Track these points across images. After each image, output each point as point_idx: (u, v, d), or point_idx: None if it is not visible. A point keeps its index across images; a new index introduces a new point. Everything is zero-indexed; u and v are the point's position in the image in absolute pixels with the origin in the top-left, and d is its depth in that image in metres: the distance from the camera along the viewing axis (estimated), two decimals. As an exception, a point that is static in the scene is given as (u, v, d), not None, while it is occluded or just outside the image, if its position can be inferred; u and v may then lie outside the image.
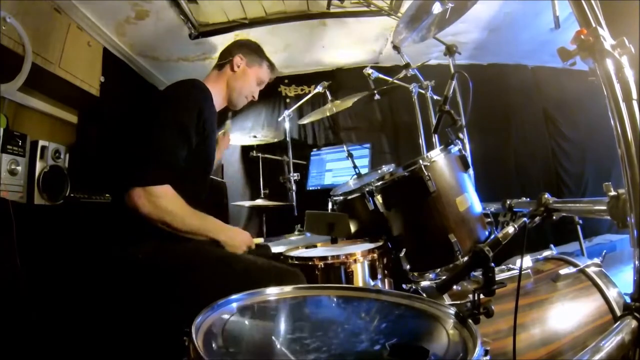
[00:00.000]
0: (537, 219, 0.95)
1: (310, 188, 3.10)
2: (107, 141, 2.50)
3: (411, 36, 1.79)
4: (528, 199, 1.33)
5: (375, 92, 2.29)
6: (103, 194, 2.25)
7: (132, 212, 1.06)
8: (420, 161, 1.32)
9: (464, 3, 1.58)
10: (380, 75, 2.23)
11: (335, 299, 0.81)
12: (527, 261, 1.13)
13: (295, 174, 2.84)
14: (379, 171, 1.81)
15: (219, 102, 1.41)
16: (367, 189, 1.39)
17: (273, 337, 0.63)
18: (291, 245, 1.60)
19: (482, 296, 0.66)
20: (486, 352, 0.53)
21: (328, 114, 2.56)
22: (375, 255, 1.34)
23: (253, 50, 1.47)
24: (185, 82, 1.28)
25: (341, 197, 1.54)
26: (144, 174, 1.07)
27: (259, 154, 2.99)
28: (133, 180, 1.06)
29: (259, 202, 2.77)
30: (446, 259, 1.32)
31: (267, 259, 1.30)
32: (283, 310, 0.76)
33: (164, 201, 1.07)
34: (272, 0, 2.59)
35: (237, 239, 1.23)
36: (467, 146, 1.72)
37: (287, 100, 3.58)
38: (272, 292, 0.80)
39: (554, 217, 0.97)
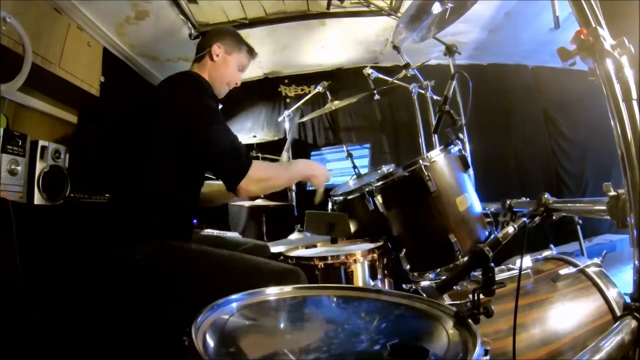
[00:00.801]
0: (537, 219, 0.95)
1: (310, 188, 3.09)
2: (107, 141, 2.50)
3: (411, 36, 1.79)
4: (528, 199, 1.33)
5: (375, 92, 2.29)
6: (103, 194, 2.25)
7: (246, 198, 1.22)
8: (420, 161, 1.31)
9: (463, 3, 1.57)
10: (380, 75, 2.23)
11: (335, 299, 0.81)
12: (527, 261, 1.13)
13: (295, 174, 2.84)
14: (379, 171, 1.80)
15: None
16: (367, 189, 1.39)
17: (273, 337, 0.63)
18: (291, 245, 1.60)
19: (482, 296, 0.66)
20: (486, 352, 0.53)
21: (327, 111, 2.55)
22: (375, 255, 1.35)
23: (230, 37, 1.45)
24: (191, 75, 1.32)
25: (341, 197, 1.54)
26: (238, 169, 1.16)
27: (259, 154, 2.98)
28: (233, 179, 1.16)
29: (259, 202, 2.77)
30: (446, 259, 1.32)
31: (266, 258, 1.30)
32: (283, 310, 0.76)
33: (263, 176, 1.22)
34: (272, 0, 2.59)
35: (320, 172, 1.41)
36: (467, 146, 1.72)
37: (287, 100, 3.58)
38: (272, 292, 0.80)
39: (554, 217, 0.97)
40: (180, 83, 1.26)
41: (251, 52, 1.50)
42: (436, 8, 1.53)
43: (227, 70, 1.42)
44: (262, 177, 1.22)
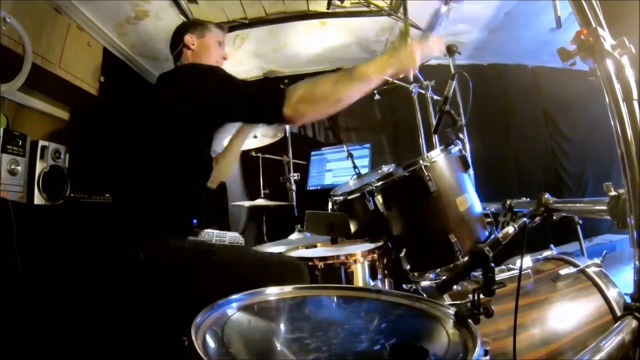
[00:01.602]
0: (537, 219, 0.95)
1: (310, 188, 3.10)
2: (107, 141, 2.50)
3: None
4: (528, 199, 1.33)
5: (375, 92, 2.29)
6: (103, 194, 2.25)
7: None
8: (421, 161, 1.31)
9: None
10: (380, 75, 2.22)
11: (335, 299, 0.81)
12: (527, 261, 1.13)
13: (295, 174, 2.84)
14: (379, 171, 1.80)
15: None
16: (367, 189, 1.39)
17: (273, 337, 0.63)
18: (291, 245, 1.60)
19: (482, 296, 0.66)
20: (486, 352, 0.53)
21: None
22: (375, 255, 1.34)
23: (193, 25, 1.48)
24: (188, 64, 1.34)
25: (341, 197, 1.54)
26: (270, 95, 1.09)
27: (259, 154, 2.99)
28: (273, 109, 1.08)
29: (259, 202, 2.77)
30: (446, 259, 1.32)
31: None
32: (283, 310, 0.76)
33: (302, 91, 1.10)
34: (272, 0, 2.59)
35: (403, 67, 1.16)
36: (467, 146, 1.72)
37: (288, 100, 3.58)
38: (272, 292, 0.80)
39: (554, 217, 0.97)
40: (182, 70, 1.26)
41: (220, 27, 1.51)
42: (443, 9, 1.53)
43: (209, 51, 1.43)
44: (304, 94, 1.09)
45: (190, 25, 1.48)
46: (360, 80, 1.13)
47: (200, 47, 1.42)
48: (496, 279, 0.70)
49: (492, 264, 0.72)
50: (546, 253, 1.22)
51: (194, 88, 1.17)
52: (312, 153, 3.25)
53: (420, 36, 1.27)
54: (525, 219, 0.89)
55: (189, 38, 1.41)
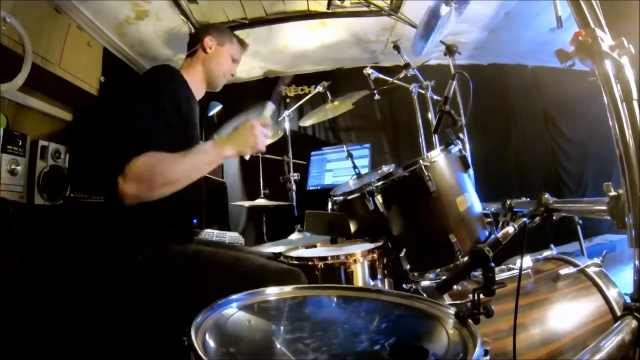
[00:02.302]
0: (537, 219, 0.95)
1: (310, 188, 3.10)
2: (107, 141, 2.50)
3: (429, 42, 1.79)
4: (528, 199, 1.33)
5: (375, 92, 2.29)
6: (103, 194, 2.25)
7: (135, 202, 1.00)
8: (421, 161, 1.31)
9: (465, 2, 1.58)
10: (380, 75, 2.23)
11: (335, 299, 0.81)
12: (527, 261, 1.13)
13: (295, 174, 2.84)
14: (379, 171, 1.80)
15: (198, 89, 1.40)
16: (367, 189, 1.39)
17: (273, 337, 0.63)
18: (291, 245, 1.60)
19: (482, 296, 0.66)
20: (486, 352, 0.53)
21: (330, 115, 2.56)
22: (375, 255, 1.34)
23: (220, 30, 1.47)
24: (155, 67, 1.26)
25: (341, 197, 1.54)
26: (117, 162, 0.99)
27: (259, 154, 2.98)
28: (113, 174, 0.99)
29: (259, 202, 2.77)
30: (446, 259, 1.32)
31: (267, 258, 1.30)
32: (283, 310, 0.76)
33: (144, 171, 0.98)
34: (272, 0, 2.59)
35: (245, 139, 1.12)
36: (467, 146, 1.72)
37: (287, 100, 3.58)
38: (272, 292, 0.80)
39: (554, 217, 0.97)
40: (150, 72, 1.25)
41: (242, 44, 1.51)
42: (443, 10, 1.54)
43: (221, 61, 1.42)
44: (147, 173, 0.98)
45: (215, 28, 1.46)
46: (210, 161, 1.09)
47: (215, 54, 1.41)
48: (496, 279, 0.70)
49: (492, 264, 0.72)
50: (546, 253, 1.22)
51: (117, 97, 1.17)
52: (312, 153, 3.25)
53: (260, 116, 1.24)
54: (525, 219, 0.89)
55: (208, 41, 1.39)
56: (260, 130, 1.15)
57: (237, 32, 2.73)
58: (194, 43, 1.42)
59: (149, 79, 1.24)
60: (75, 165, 2.17)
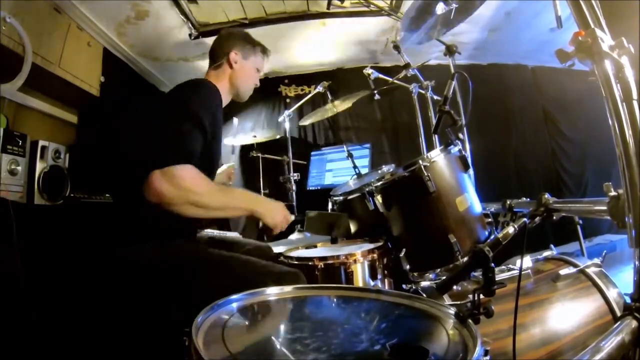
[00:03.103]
0: (537, 219, 0.95)
1: (310, 188, 3.10)
2: (107, 141, 2.50)
3: (417, 36, 1.79)
4: (528, 199, 1.33)
5: (375, 92, 2.29)
6: (103, 194, 2.25)
7: (156, 200, 1.01)
8: (420, 161, 1.31)
9: (470, 3, 1.57)
10: (380, 75, 2.23)
11: (335, 299, 0.81)
12: (527, 261, 1.13)
13: (295, 174, 2.85)
14: (379, 171, 1.80)
15: (224, 99, 1.41)
16: (367, 189, 1.39)
17: (273, 337, 0.63)
18: (291, 245, 1.60)
19: (482, 296, 0.66)
20: (486, 352, 0.53)
21: (330, 115, 2.56)
22: (375, 255, 1.34)
23: (244, 41, 1.47)
24: (202, 82, 1.28)
25: (341, 197, 1.54)
26: (163, 157, 1.02)
27: (259, 154, 2.99)
28: (152, 164, 1.01)
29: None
30: (446, 259, 1.32)
31: (267, 259, 1.30)
32: (283, 310, 0.76)
33: (187, 182, 1.02)
34: (272, 0, 2.59)
35: (276, 212, 1.20)
36: (467, 146, 1.72)
37: (287, 100, 3.59)
38: (272, 292, 0.80)
39: (554, 217, 0.97)
40: (188, 85, 1.26)
41: (265, 51, 1.53)
42: (440, 9, 1.53)
43: (246, 74, 1.44)
44: (186, 184, 1.02)
45: (239, 39, 1.46)
46: (241, 204, 1.16)
47: (241, 69, 1.42)
48: (496, 279, 0.70)
49: (492, 264, 0.72)
50: (546, 253, 1.22)
51: (176, 97, 1.20)
52: (312, 153, 3.26)
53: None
54: (525, 219, 0.89)
55: (234, 55, 1.40)
56: (288, 217, 1.25)
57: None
58: (219, 56, 1.42)
59: (198, 93, 1.23)
60: (76, 165, 2.17)
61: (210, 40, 2.80)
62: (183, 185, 1.01)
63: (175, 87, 1.29)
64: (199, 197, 1.04)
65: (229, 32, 1.52)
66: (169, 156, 1.03)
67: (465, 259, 1.29)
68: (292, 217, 1.28)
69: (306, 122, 2.76)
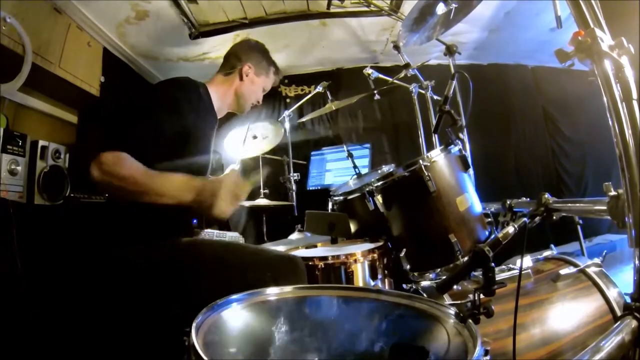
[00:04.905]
0: (537, 219, 0.95)
1: (311, 188, 3.10)
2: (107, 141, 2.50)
3: (418, 37, 1.79)
4: (528, 199, 1.33)
5: (375, 92, 2.29)
6: (103, 194, 2.25)
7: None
8: (421, 161, 1.31)
9: (468, 2, 1.57)
10: (380, 75, 2.23)
11: (335, 299, 0.81)
12: (527, 261, 1.13)
13: (295, 174, 2.84)
14: (379, 171, 1.80)
15: (222, 107, 1.40)
16: (367, 189, 1.39)
17: (273, 337, 0.63)
18: (291, 245, 1.60)
19: (482, 296, 0.66)
20: (486, 352, 0.53)
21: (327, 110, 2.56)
22: (375, 255, 1.35)
23: (260, 55, 1.46)
24: (173, 79, 1.25)
25: (341, 197, 1.54)
26: (104, 145, 1.04)
27: (259, 154, 2.98)
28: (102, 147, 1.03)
29: (259, 202, 2.77)
30: (446, 259, 1.32)
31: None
32: (283, 310, 0.76)
33: (110, 167, 1.01)
34: (272, 0, 2.59)
35: (222, 197, 1.04)
36: (467, 146, 1.72)
37: (287, 100, 3.58)
38: (272, 292, 0.80)
39: (554, 217, 0.97)
40: (160, 82, 1.27)
41: (278, 73, 1.52)
42: (440, 9, 1.54)
43: (253, 89, 1.43)
44: (114, 170, 1.00)
45: (257, 52, 1.45)
46: (169, 193, 1.04)
47: (250, 84, 1.41)
48: (496, 279, 0.70)
49: (492, 264, 0.72)
50: (546, 253, 1.22)
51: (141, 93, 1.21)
52: (312, 153, 3.25)
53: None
54: (525, 219, 0.89)
55: (247, 68, 1.40)
56: (238, 192, 1.10)
57: (237, 32, 2.76)
58: (232, 63, 1.41)
59: (167, 87, 1.23)
60: (76, 165, 2.17)
61: (210, 40, 2.82)
62: (106, 170, 1.01)
63: (157, 84, 1.29)
64: (122, 182, 1.02)
65: (249, 42, 1.51)
66: (107, 144, 1.04)
67: (466, 258, 1.29)
68: (246, 188, 1.13)
69: (304, 118, 2.77)
